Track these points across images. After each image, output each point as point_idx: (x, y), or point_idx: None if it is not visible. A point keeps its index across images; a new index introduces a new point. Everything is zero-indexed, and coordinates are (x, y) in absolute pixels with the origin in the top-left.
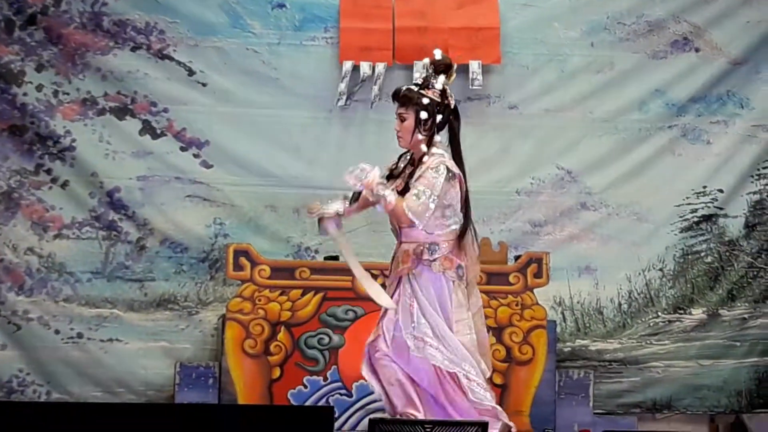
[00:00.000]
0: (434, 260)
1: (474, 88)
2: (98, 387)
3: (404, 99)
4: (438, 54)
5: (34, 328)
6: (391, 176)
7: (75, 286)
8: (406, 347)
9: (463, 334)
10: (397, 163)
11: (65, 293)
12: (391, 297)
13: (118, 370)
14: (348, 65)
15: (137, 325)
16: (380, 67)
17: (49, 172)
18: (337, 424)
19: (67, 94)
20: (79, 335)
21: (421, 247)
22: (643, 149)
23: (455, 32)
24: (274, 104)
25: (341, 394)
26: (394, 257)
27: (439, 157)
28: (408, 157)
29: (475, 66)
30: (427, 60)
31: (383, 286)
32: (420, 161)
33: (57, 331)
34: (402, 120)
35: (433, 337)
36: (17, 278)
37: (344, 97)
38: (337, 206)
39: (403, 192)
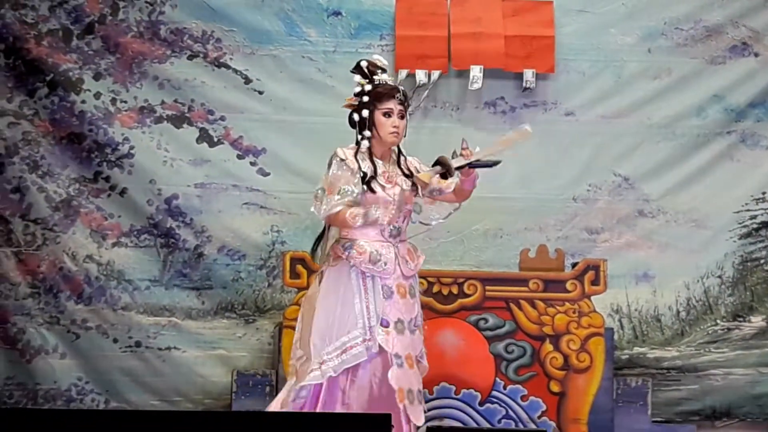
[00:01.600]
0: (421, 255)
1: (525, 91)
2: (156, 395)
3: (405, 98)
4: (381, 58)
5: (92, 337)
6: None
7: (133, 294)
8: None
9: None
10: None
11: (124, 301)
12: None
13: (176, 378)
14: (403, 74)
15: (195, 333)
16: (435, 75)
17: (107, 179)
18: None
19: (125, 102)
20: (137, 344)
21: (412, 244)
22: (701, 155)
23: (510, 40)
24: (330, 112)
25: None
26: (396, 258)
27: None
28: (366, 156)
29: (529, 75)
30: (364, 62)
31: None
32: (398, 159)
33: (115, 340)
34: (402, 117)
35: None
36: (76, 286)
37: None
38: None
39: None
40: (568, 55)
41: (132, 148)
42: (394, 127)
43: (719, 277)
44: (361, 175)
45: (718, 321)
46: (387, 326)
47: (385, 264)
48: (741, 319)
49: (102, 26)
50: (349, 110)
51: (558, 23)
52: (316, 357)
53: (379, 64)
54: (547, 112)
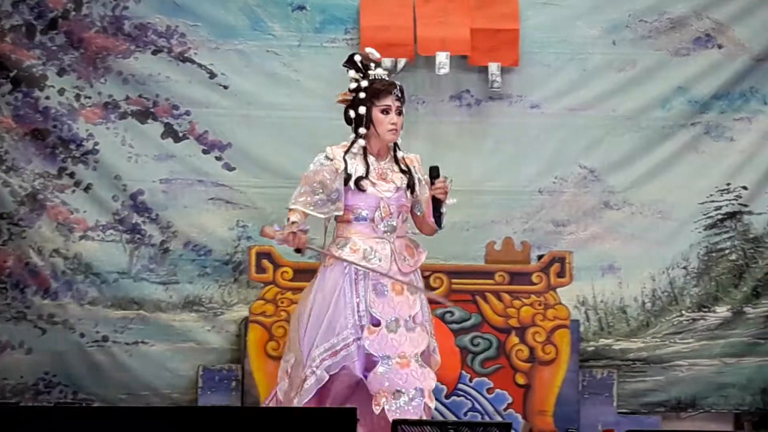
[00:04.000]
0: (423, 251)
1: (493, 89)
2: (124, 389)
3: (402, 94)
4: (374, 51)
5: (59, 332)
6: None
7: (101, 288)
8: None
9: None
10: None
11: (91, 295)
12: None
13: (143, 372)
14: None
15: (163, 326)
16: (402, 62)
17: (72, 175)
18: None
19: (89, 98)
20: (105, 338)
21: (411, 240)
22: (666, 147)
23: (475, 33)
24: (296, 106)
25: None
26: (393, 254)
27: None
28: (364, 150)
29: (494, 68)
30: (358, 56)
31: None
32: (395, 155)
33: (82, 335)
34: (400, 113)
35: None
36: (43, 281)
37: None
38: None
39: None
40: (533, 48)
41: (96, 144)
42: (392, 124)
43: (684, 267)
44: (345, 176)
45: (683, 312)
46: (378, 325)
47: (380, 260)
48: (706, 309)
49: (65, 21)
50: (344, 105)
51: (523, 16)
52: (309, 361)
53: (372, 57)
54: (512, 105)
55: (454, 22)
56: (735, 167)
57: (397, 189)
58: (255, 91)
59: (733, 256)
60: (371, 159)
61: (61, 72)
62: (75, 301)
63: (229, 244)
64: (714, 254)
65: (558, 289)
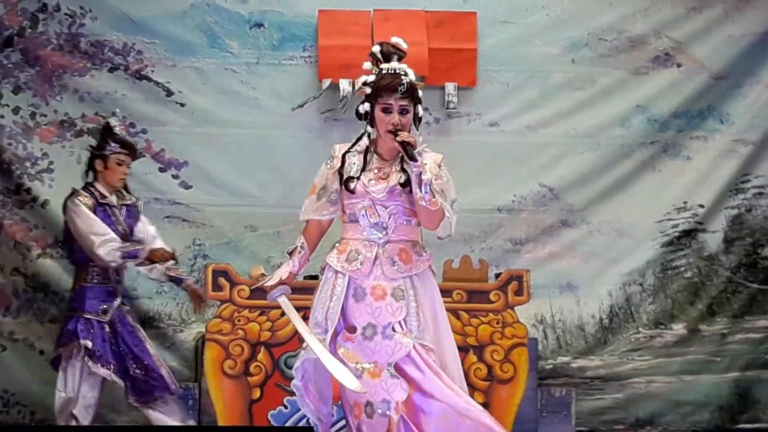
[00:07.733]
0: (428, 258)
1: (449, 110)
2: None
3: (412, 90)
4: (401, 41)
5: (20, 349)
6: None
7: (61, 306)
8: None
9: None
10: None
11: (51, 313)
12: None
13: (103, 389)
14: (326, 83)
15: None
16: (359, 82)
17: (29, 191)
18: None
19: (45, 116)
20: None
21: (417, 245)
22: (624, 165)
23: (433, 53)
24: (253, 124)
25: None
26: (378, 258)
27: (430, 152)
28: (366, 148)
29: (450, 88)
30: (378, 47)
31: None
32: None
33: (42, 352)
34: (404, 113)
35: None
36: (4, 299)
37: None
38: (281, 273)
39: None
40: (492, 66)
41: (51, 162)
42: (393, 124)
43: (640, 284)
44: (340, 175)
45: (640, 329)
46: (353, 332)
47: (361, 264)
48: (662, 326)
49: (21, 39)
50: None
51: (481, 34)
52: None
53: (397, 47)
54: (471, 122)
55: (411, 42)
56: (691, 186)
57: (392, 188)
58: (212, 108)
59: (689, 274)
60: (374, 158)
61: (16, 90)
62: (36, 319)
63: (185, 262)
64: (670, 272)
65: (516, 308)
